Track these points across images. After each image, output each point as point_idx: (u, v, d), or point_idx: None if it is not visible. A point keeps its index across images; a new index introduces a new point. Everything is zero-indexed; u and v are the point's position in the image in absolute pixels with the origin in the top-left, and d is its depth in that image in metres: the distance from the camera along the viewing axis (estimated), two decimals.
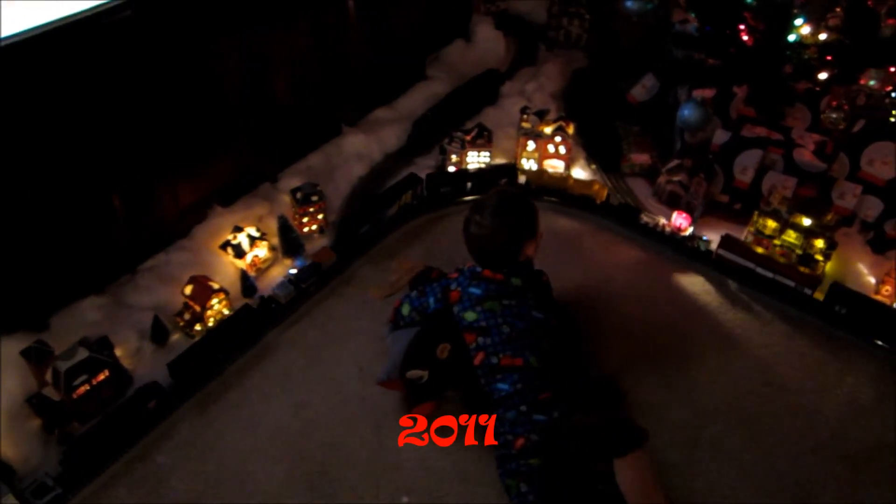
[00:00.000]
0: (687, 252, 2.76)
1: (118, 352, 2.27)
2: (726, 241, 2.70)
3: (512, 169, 3.00)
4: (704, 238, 2.75)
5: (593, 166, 3.17)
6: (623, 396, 2.25)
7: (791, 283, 2.58)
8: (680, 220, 2.79)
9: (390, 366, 2.17)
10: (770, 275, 2.60)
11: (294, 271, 2.56)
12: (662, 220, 2.85)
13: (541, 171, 3.05)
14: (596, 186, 2.94)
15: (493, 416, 2.04)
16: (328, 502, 1.99)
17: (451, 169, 3.05)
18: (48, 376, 2.11)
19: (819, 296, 2.56)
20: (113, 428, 2.08)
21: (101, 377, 2.12)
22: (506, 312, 2.08)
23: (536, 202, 2.50)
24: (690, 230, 2.79)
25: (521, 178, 3.03)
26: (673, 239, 2.80)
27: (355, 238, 2.76)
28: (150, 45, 2.29)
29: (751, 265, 2.63)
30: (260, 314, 2.45)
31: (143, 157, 2.44)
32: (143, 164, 2.45)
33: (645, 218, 2.86)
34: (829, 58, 2.83)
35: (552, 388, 2.01)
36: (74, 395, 2.07)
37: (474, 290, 2.11)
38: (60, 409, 2.09)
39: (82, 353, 2.08)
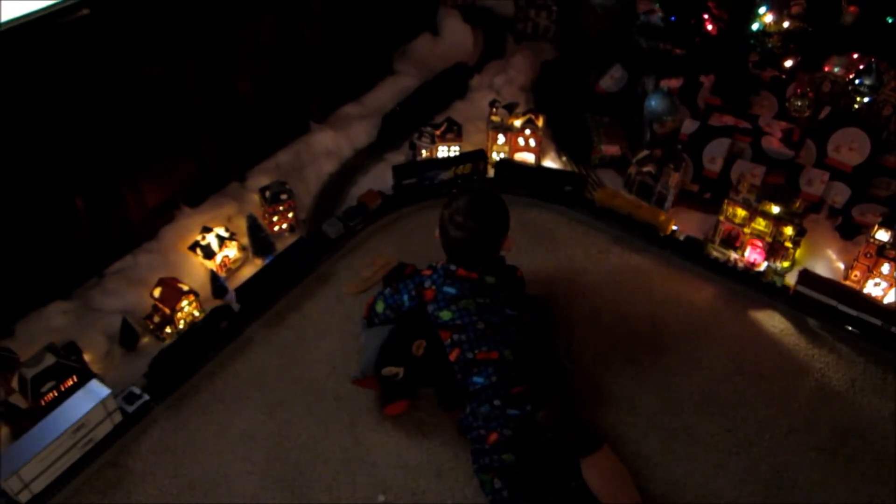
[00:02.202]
0: (762, 289, 2.61)
1: (87, 357, 2.23)
2: (806, 277, 2.55)
3: (578, 179, 2.94)
4: (779, 273, 2.64)
5: (563, 158, 3.17)
6: (568, 371, 2.24)
7: (877, 322, 2.44)
8: (754, 256, 2.66)
9: (365, 363, 2.15)
10: (854, 313, 2.45)
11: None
12: (733, 255, 2.71)
13: (614, 194, 2.86)
14: (662, 217, 2.77)
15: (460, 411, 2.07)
16: (304, 502, 1.98)
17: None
18: (14, 383, 2.06)
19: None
20: (189, 344, 2.30)
21: (69, 383, 2.08)
22: (480, 310, 2.08)
23: (598, 227, 2.72)
24: (764, 265, 2.65)
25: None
26: (746, 275, 2.65)
27: (401, 187, 2.89)
28: (109, 43, 2.24)
29: (833, 303, 2.48)
30: (314, 245, 2.68)
31: (105, 158, 2.40)
32: (105, 166, 2.41)
33: (714, 252, 2.72)
34: (792, 46, 2.86)
35: (526, 381, 2.01)
36: (42, 402, 2.04)
37: (449, 289, 2.11)
38: (28, 417, 2.04)
39: (49, 359, 2.04)
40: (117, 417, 2.10)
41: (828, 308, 2.49)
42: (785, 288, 2.59)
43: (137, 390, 2.18)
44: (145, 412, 2.16)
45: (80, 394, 2.03)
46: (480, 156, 2.96)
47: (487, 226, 2.14)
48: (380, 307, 2.25)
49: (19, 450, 1.91)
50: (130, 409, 2.14)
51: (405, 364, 2.13)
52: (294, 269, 2.59)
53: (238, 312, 2.43)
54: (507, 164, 3.01)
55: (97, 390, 2.04)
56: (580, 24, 3.74)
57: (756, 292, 2.61)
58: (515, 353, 2.04)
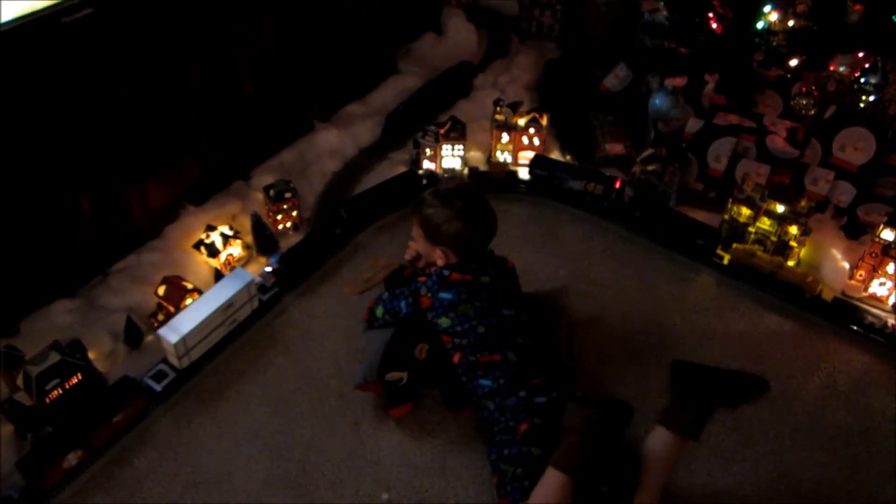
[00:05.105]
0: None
1: (91, 354, 2.24)
2: None
3: (712, 233, 2.73)
4: None
5: (567, 157, 3.17)
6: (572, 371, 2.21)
7: None
8: None
9: (367, 368, 2.15)
10: None
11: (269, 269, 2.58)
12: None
13: (751, 252, 2.64)
14: (810, 277, 2.57)
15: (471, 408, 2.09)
16: (308, 501, 1.98)
17: (428, 167, 3.04)
18: (19, 381, 2.07)
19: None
20: (310, 245, 2.65)
21: (74, 381, 2.08)
22: (479, 314, 2.08)
23: (733, 285, 2.64)
24: None
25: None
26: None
27: (538, 179, 2.98)
28: (112, 42, 2.25)
29: None
30: (412, 181, 2.94)
31: (110, 157, 2.41)
32: (109, 164, 2.42)
33: (870, 318, 2.50)
34: (797, 44, 2.85)
35: (543, 373, 2.02)
36: (47, 400, 2.04)
37: (444, 295, 2.11)
38: (33, 414, 2.05)
39: (54, 357, 2.04)
40: (255, 304, 2.41)
41: None
42: None
43: (268, 283, 2.50)
44: (276, 301, 2.50)
45: (229, 277, 2.34)
46: (611, 181, 2.87)
47: (492, 220, 2.21)
48: (379, 312, 2.25)
49: (183, 319, 2.19)
50: (264, 297, 2.45)
51: (408, 368, 2.13)
52: (396, 196, 2.87)
53: (348, 221, 2.75)
54: (642, 204, 2.87)
55: (243, 275, 2.34)
56: (584, 22, 3.74)
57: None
58: (518, 355, 2.03)
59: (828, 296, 2.58)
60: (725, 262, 2.68)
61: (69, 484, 2.00)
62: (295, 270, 2.58)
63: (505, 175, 3.01)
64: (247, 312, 2.39)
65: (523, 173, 3.04)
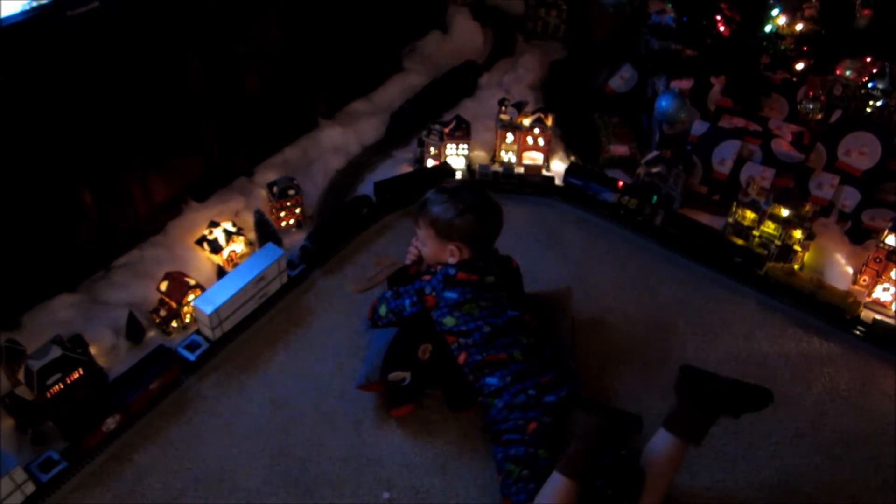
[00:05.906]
0: None
1: (92, 350, 2.23)
2: None
3: (751, 254, 2.64)
4: None
5: (572, 158, 3.16)
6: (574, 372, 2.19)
7: None
8: None
9: (369, 368, 2.14)
10: None
11: None
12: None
13: (790, 271, 2.60)
14: (851, 298, 2.52)
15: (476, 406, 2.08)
16: (308, 500, 1.97)
17: (431, 163, 3.03)
18: (21, 375, 2.06)
19: None
20: (337, 225, 2.72)
21: (75, 376, 2.07)
22: (484, 313, 2.08)
23: (773, 306, 2.58)
24: None
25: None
26: None
27: (567, 183, 2.98)
28: (117, 36, 2.24)
29: None
30: (445, 172, 2.96)
31: (113, 152, 2.40)
32: (112, 159, 2.41)
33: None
34: (804, 48, 2.84)
35: (552, 371, 2.01)
36: (48, 395, 2.03)
37: (450, 294, 2.11)
38: (34, 409, 2.04)
39: (55, 352, 2.03)
40: (284, 279, 2.48)
41: None
42: None
43: (296, 259, 2.57)
44: (305, 277, 2.57)
45: (260, 252, 2.41)
46: (650, 200, 2.83)
47: (501, 212, 2.24)
48: (382, 310, 2.25)
49: (216, 291, 2.27)
50: (293, 273, 2.53)
51: (412, 369, 2.13)
52: (428, 180, 2.81)
53: (376, 204, 2.82)
54: (679, 220, 2.81)
55: (274, 250, 2.41)
56: (589, 23, 3.73)
57: None
58: (523, 354, 2.03)
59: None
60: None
61: (107, 446, 2.05)
62: (321, 248, 2.63)
63: (540, 179, 2.99)
64: (276, 287, 2.45)
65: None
